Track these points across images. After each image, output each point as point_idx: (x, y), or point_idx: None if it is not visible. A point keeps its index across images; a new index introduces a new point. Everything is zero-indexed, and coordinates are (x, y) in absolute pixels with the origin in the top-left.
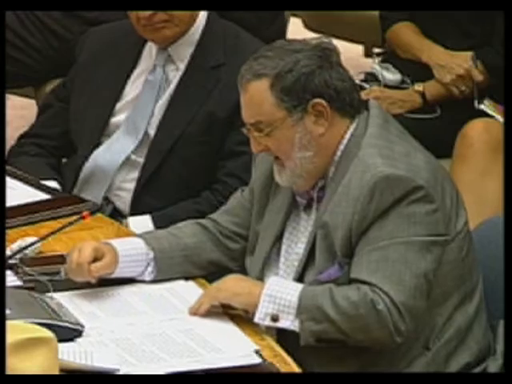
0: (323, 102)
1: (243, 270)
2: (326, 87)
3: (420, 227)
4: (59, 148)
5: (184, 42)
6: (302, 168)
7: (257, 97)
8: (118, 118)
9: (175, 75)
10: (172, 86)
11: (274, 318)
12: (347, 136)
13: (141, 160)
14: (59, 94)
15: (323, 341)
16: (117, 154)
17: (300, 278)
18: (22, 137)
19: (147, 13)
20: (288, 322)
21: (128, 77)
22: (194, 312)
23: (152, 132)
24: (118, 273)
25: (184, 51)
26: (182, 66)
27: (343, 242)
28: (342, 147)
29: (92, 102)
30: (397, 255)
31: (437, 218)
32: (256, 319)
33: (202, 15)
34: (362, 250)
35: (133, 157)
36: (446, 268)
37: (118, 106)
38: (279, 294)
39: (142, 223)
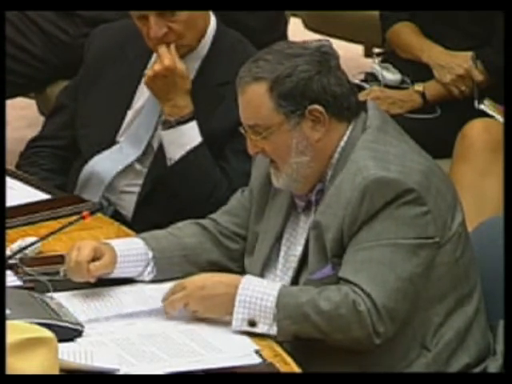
0: (320, 108)
1: (243, 271)
2: (324, 93)
3: (408, 229)
4: (71, 148)
5: (191, 56)
6: (298, 173)
7: (255, 100)
8: (128, 125)
9: None
10: None
11: (251, 323)
12: (344, 139)
13: (145, 170)
14: (72, 95)
15: (301, 339)
16: (116, 162)
17: (296, 279)
18: (34, 140)
19: (158, 33)
20: (266, 327)
21: (139, 82)
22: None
23: (155, 145)
24: (117, 273)
25: (191, 65)
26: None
27: (335, 242)
28: (339, 150)
29: (102, 105)
30: (382, 256)
31: (427, 221)
32: (233, 327)
33: (211, 30)
34: (350, 250)
35: (138, 167)
36: (440, 269)
37: (130, 113)
38: (254, 300)
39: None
